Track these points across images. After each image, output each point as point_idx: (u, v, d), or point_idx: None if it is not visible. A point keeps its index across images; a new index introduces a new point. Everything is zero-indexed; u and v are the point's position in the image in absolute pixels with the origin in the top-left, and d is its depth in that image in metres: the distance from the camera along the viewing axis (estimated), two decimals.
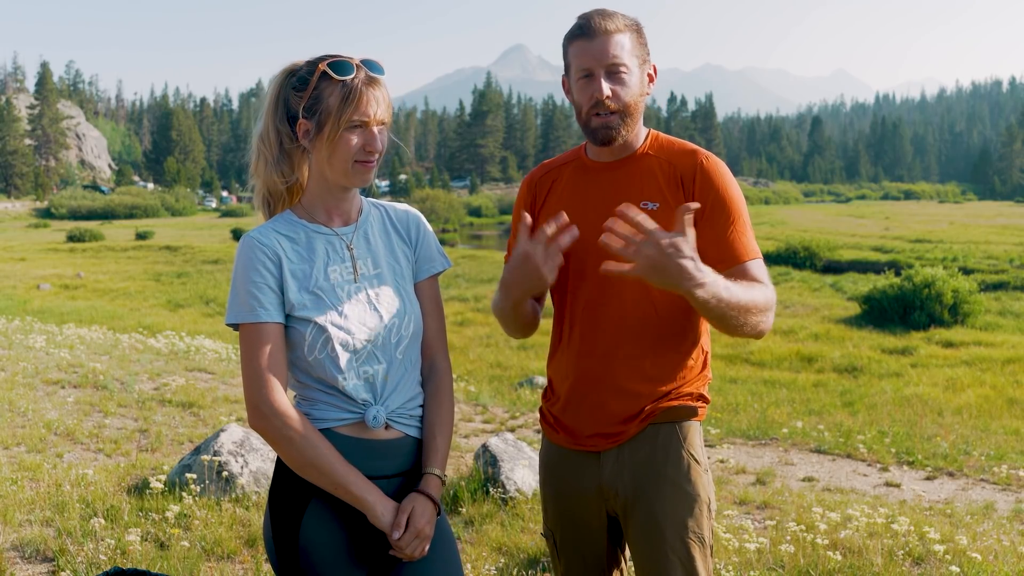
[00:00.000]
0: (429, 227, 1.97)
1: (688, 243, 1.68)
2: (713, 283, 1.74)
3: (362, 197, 1.90)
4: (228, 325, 1.74)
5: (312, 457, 1.68)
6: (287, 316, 1.74)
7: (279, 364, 1.70)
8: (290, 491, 1.74)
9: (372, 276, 1.82)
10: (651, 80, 1.98)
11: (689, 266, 1.68)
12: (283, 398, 1.69)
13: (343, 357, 1.73)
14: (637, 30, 1.93)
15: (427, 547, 1.77)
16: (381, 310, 1.80)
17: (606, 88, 1.88)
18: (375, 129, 1.73)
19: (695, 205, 1.70)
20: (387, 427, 1.79)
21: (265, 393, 1.68)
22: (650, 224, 1.68)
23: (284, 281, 1.73)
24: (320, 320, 1.73)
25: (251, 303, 1.70)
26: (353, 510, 1.73)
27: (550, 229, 1.80)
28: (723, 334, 1.92)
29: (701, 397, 2.01)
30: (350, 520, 1.75)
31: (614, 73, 1.89)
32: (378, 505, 1.72)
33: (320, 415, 1.75)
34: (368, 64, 1.75)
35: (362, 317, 1.77)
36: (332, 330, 1.73)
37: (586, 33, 1.89)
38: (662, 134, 2.04)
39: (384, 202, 1.96)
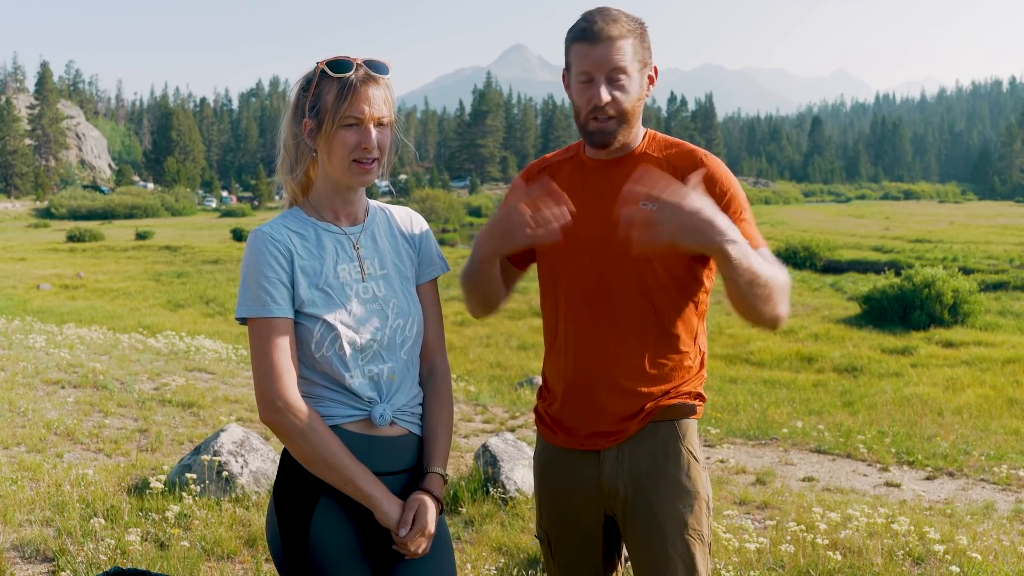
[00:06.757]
0: (431, 231, 1.99)
1: (708, 199, 1.65)
2: (743, 244, 1.73)
3: (368, 199, 1.92)
4: (238, 319, 1.75)
5: (324, 453, 1.69)
6: (295, 312, 1.75)
7: (290, 359, 1.71)
8: (298, 488, 1.75)
9: (379, 276, 1.84)
10: (651, 82, 1.96)
11: (717, 220, 1.67)
12: (295, 392, 1.70)
13: (350, 355, 1.75)
14: (640, 33, 1.89)
15: (429, 545, 1.78)
16: (388, 310, 1.81)
17: (605, 95, 1.86)
18: (371, 127, 1.74)
19: (701, 173, 1.65)
20: (392, 424, 1.80)
21: (278, 387, 1.69)
22: (661, 192, 1.63)
23: (295, 277, 1.74)
24: (329, 318, 1.74)
25: (263, 297, 1.71)
26: (360, 507, 1.75)
27: (550, 204, 1.80)
28: (743, 316, 1.90)
29: (699, 396, 2.01)
30: (358, 517, 1.76)
31: (614, 80, 1.87)
32: (384, 502, 1.74)
33: (327, 412, 1.76)
34: (370, 63, 1.76)
35: (369, 317, 1.78)
36: (341, 328, 1.74)
37: (588, 37, 1.86)
38: (659, 133, 2.03)
39: (388, 205, 1.97)
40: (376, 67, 1.76)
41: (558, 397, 2.04)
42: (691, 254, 1.93)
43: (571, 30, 1.91)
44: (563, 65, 1.99)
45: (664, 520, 1.92)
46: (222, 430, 4.76)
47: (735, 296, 1.84)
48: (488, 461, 4.77)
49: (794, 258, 29.19)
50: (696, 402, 2.00)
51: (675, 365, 1.97)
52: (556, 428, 2.05)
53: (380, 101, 1.75)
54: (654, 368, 1.95)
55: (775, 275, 1.83)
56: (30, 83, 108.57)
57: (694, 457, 1.96)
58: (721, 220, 1.68)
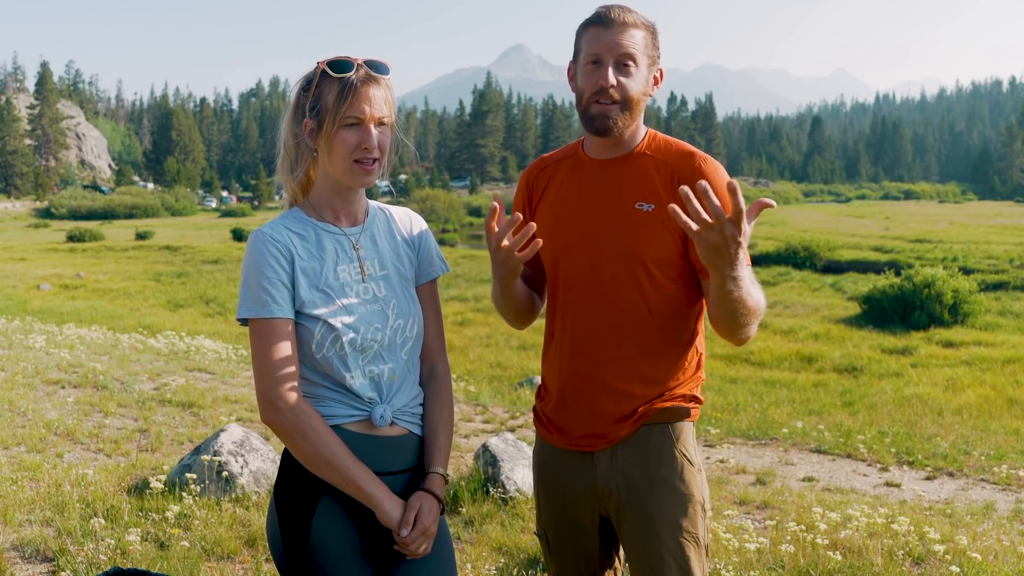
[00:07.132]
0: (430, 231, 1.99)
1: (748, 233, 1.65)
2: (743, 274, 1.73)
3: (367, 200, 1.92)
4: (239, 320, 1.76)
5: (325, 453, 1.70)
6: (296, 313, 1.75)
7: (291, 359, 1.72)
8: (299, 488, 1.75)
9: (379, 277, 1.84)
10: (656, 83, 1.98)
11: (741, 255, 1.67)
12: (296, 393, 1.71)
13: (351, 356, 1.75)
14: (652, 31, 1.94)
15: (431, 545, 1.78)
16: (388, 311, 1.82)
17: (612, 77, 1.87)
18: (372, 127, 1.74)
19: (769, 202, 1.61)
20: (392, 424, 1.81)
21: (279, 388, 1.69)
22: (724, 213, 1.61)
23: (295, 277, 1.75)
24: (330, 319, 1.74)
25: (263, 298, 1.71)
26: (361, 507, 1.75)
27: (510, 235, 1.82)
28: (716, 330, 1.92)
29: (694, 398, 2.01)
30: (359, 517, 1.76)
31: (623, 64, 1.89)
32: (386, 502, 1.74)
33: (328, 412, 1.76)
34: (370, 63, 1.76)
35: (370, 318, 1.79)
36: (341, 329, 1.74)
37: (603, 21, 1.90)
38: (660, 134, 2.03)
39: (387, 205, 1.97)
40: (376, 67, 1.76)
41: (554, 397, 2.05)
42: (685, 256, 1.93)
43: (585, 19, 1.95)
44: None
45: (658, 522, 1.92)
46: (222, 430, 4.77)
47: (715, 314, 1.87)
48: (488, 461, 4.78)
49: (794, 258, 29.17)
50: (691, 405, 1.99)
51: (670, 367, 1.97)
52: (552, 428, 2.05)
53: (381, 101, 1.75)
54: (649, 369, 1.95)
55: (757, 302, 1.83)
56: (30, 83, 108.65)
57: (688, 460, 1.96)
58: (741, 255, 1.67)
